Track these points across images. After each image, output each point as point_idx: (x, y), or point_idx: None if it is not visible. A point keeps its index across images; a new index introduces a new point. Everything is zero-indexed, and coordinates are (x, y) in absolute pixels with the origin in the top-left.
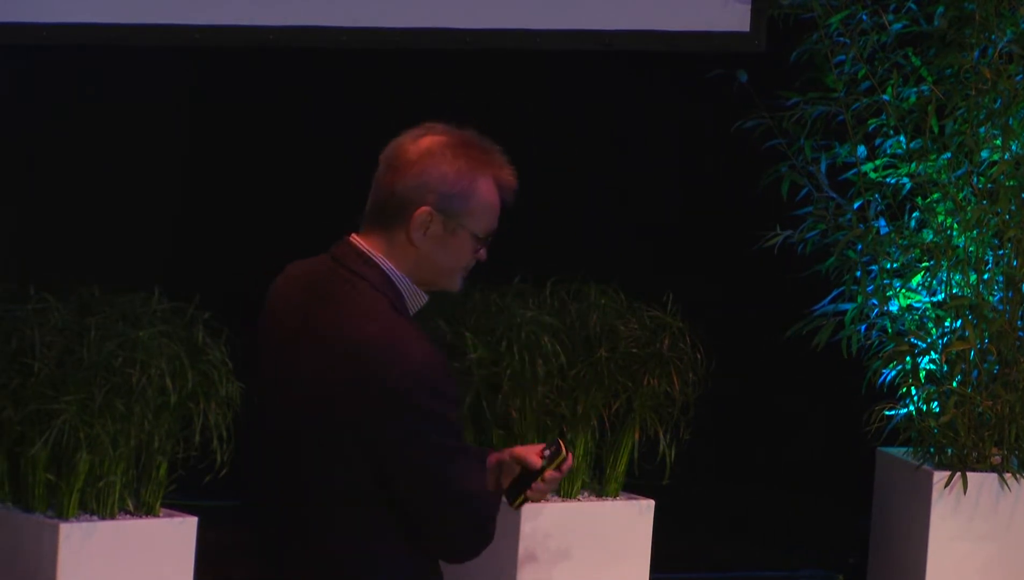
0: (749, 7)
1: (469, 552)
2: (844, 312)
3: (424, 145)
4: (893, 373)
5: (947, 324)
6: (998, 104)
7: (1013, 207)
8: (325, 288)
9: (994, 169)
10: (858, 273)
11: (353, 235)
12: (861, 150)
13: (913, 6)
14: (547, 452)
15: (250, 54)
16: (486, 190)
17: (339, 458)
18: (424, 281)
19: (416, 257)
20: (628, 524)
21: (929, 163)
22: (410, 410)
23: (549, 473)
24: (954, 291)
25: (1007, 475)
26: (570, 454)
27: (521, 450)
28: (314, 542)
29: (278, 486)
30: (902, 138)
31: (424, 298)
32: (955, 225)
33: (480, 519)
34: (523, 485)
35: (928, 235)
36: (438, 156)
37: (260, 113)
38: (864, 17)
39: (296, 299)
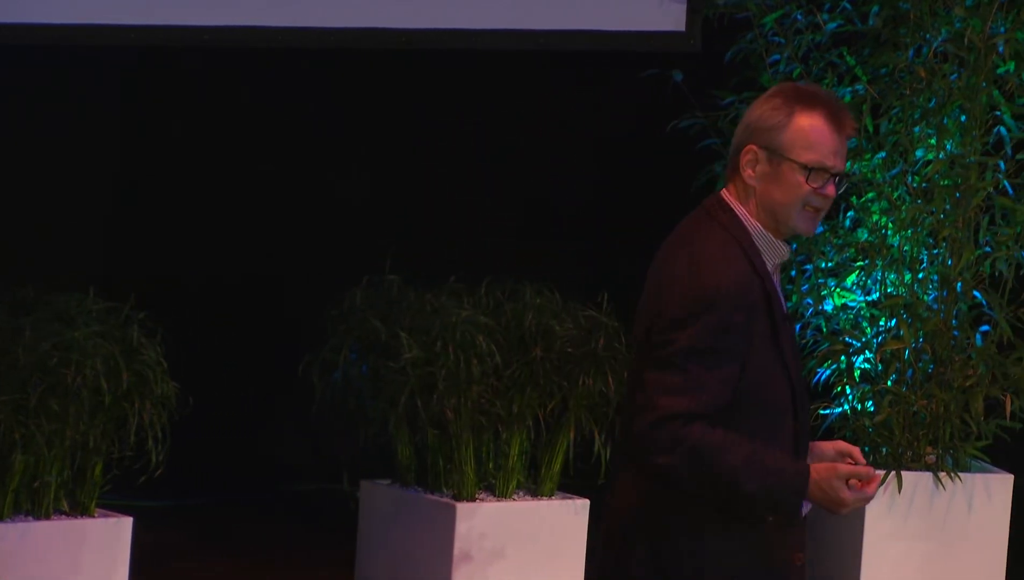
0: (684, 7)
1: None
2: None
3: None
4: (828, 372)
5: (882, 323)
6: (932, 103)
7: (948, 206)
8: (685, 233)
9: (929, 168)
10: (793, 272)
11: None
12: None
13: (848, 5)
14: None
15: (184, 53)
16: (803, 121)
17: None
18: (771, 225)
19: (756, 199)
20: (563, 523)
21: (864, 162)
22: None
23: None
24: (889, 290)
25: (941, 474)
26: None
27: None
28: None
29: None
30: None
31: (783, 249)
32: (890, 224)
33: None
34: None
35: (863, 234)
36: (760, 99)
37: (194, 113)
38: (799, 16)
39: (665, 246)
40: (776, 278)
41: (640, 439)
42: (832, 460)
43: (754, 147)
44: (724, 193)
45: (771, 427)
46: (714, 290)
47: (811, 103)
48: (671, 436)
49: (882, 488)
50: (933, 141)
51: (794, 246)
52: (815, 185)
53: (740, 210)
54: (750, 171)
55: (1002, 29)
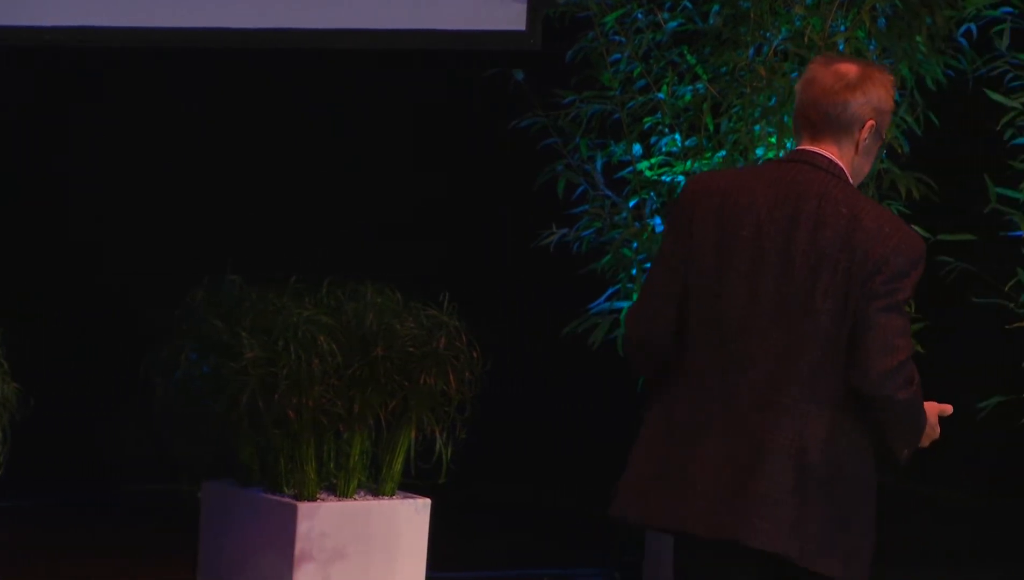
0: (525, 5)
1: None
2: (620, 310)
3: (861, 70)
4: None
5: None
6: (773, 102)
7: None
8: (810, 186)
9: None
10: (634, 271)
11: (807, 145)
12: (636, 148)
13: (688, 4)
14: None
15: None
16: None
17: (832, 310)
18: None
19: (853, 162)
20: (404, 523)
21: (704, 161)
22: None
23: None
24: None
25: None
26: None
27: None
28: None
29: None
30: (677, 136)
31: None
32: None
33: None
34: None
35: None
36: (876, 79)
37: (36, 114)
38: (640, 15)
39: (766, 193)
40: None
41: (886, 377)
42: None
43: (874, 124)
44: (827, 152)
45: None
46: (923, 248)
47: (893, 88)
48: (909, 373)
49: None
50: (773, 140)
51: (633, 249)
52: None
53: (844, 169)
54: (865, 143)
55: (842, 27)
